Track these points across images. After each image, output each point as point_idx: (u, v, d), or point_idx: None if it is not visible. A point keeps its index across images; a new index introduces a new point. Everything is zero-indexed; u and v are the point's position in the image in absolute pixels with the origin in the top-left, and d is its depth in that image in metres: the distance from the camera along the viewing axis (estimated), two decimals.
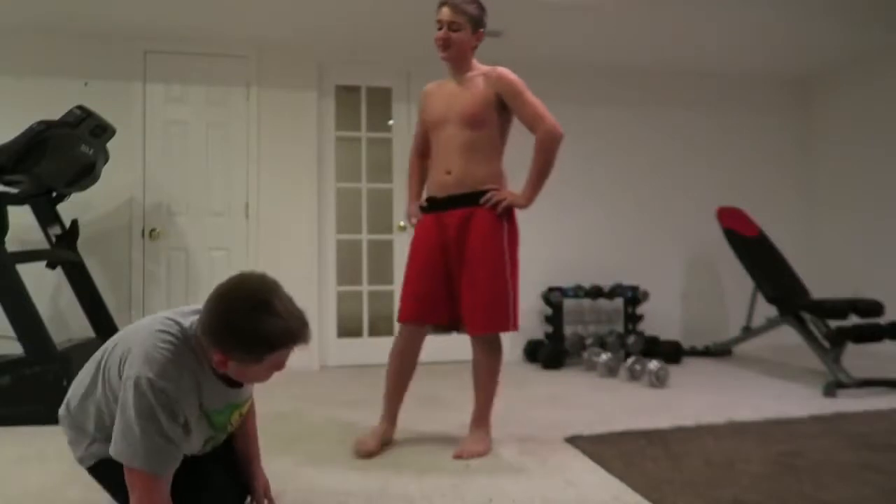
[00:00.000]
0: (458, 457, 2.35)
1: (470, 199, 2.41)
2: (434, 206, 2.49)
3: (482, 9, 2.46)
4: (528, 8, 3.80)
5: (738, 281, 4.71)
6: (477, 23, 2.43)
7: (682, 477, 2.12)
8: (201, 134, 4.26)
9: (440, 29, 2.42)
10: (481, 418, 2.50)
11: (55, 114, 3.27)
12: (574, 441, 2.53)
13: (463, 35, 2.41)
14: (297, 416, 3.03)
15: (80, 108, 3.30)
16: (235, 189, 4.29)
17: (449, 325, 2.53)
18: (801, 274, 4.29)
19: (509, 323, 2.41)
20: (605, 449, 2.41)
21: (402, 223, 4.54)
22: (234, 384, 1.55)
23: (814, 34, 4.33)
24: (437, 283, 2.45)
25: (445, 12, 2.40)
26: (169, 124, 4.22)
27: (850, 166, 4.94)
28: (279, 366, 1.42)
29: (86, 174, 3.35)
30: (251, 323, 1.34)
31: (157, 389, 1.35)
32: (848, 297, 4.36)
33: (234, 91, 4.30)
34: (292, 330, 1.37)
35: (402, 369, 2.55)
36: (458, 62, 2.47)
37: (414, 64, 4.52)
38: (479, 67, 2.49)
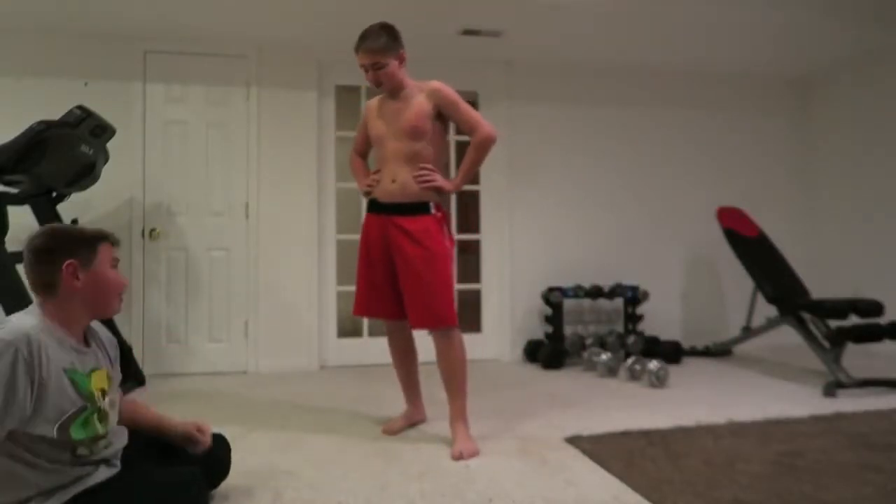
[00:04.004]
0: (457, 458, 2.35)
1: (413, 209, 2.54)
2: (379, 209, 2.62)
3: (392, 32, 2.55)
4: (528, 8, 3.80)
5: (738, 281, 4.70)
6: (395, 48, 2.54)
7: (682, 477, 2.12)
8: (201, 134, 4.26)
9: (367, 72, 2.54)
10: (460, 415, 2.53)
11: (55, 114, 3.27)
12: (574, 441, 2.53)
13: (389, 68, 2.53)
14: (297, 416, 3.03)
15: (80, 108, 3.30)
16: (235, 189, 4.29)
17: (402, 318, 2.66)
18: (801, 274, 4.28)
19: (453, 318, 2.52)
20: (605, 449, 2.41)
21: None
22: (87, 345, 1.67)
23: (814, 34, 4.33)
24: (383, 280, 2.62)
25: (364, 57, 2.52)
26: (169, 124, 4.22)
27: (850, 166, 4.94)
28: (113, 260, 1.69)
29: (86, 174, 3.35)
30: (72, 227, 1.73)
31: (6, 343, 1.45)
32: (848, 297, 4.35)
33: (234, 91, 4.30)
34: (101, 229, 1.72)
35: (401, 358, 2.79)
36: (394, 88, 2.60)
37: (413, 64, 4.46)
38: (412, 83, 2.62)
